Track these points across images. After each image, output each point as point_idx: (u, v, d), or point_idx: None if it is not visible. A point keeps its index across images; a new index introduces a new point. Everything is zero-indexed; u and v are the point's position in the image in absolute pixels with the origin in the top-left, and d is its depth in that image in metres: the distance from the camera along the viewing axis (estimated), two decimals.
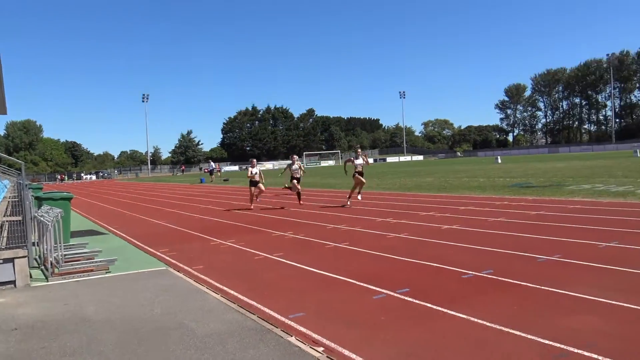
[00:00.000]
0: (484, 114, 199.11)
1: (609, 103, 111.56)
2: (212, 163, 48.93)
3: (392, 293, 5.43)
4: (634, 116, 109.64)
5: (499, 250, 7.33)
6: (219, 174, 51.71)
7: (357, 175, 14.91)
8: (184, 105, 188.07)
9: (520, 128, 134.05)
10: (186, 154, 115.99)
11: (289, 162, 21.17)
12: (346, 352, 3.87)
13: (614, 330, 4.00)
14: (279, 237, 9.99)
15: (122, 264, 7.99)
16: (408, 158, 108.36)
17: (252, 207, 16.14)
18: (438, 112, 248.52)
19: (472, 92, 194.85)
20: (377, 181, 26.61)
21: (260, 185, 16.11)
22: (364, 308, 5.00)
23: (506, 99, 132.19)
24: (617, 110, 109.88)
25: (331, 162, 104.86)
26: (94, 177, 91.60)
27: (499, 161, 50.68)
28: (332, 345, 4.03)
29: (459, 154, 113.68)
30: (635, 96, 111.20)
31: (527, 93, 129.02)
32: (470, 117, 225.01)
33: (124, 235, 11.66)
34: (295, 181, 16.04)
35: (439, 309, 4.81)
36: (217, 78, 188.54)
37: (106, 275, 7.36)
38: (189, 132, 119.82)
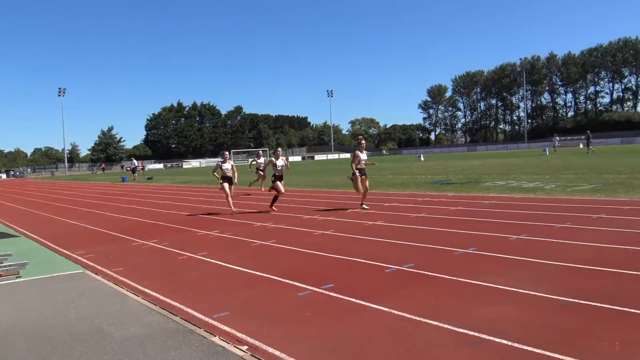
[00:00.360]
0: (408, 114, 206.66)
1: (521, 104, 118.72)
2: (134, 161, 47.09)
3: (317, 289, 5.48)
4: (544, 117, 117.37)
5: (420, 244, 7.60)
6: (142, 172, 49.86)
7: (359, 174, 12.22)
8: (104, 101, 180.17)
9: (442, 127, 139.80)
10: (107, 152, 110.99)
11: (258, 158, 20.33)
12: (270, 350, 3.87)
13: (523, 317, 4.26)
14: (204, 236, 9.80)
15: (34, 267, 7.52)
16: (336, 156, 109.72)
17: (234, 210, 13.34)
18: (365, 111, 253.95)
19: (397, 92, 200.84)
20: (304, 178, 26.73)
21: (227, 185, 13.41)
22: (290, 305, 5.01)
23: (428, 99, 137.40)
24: (529, 111, 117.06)
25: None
26: (3, 176, 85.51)
27: (422, 159, 52.50)
28: (257, 343, 4.02)
29: (384, 152, 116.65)
30: (545, 98, 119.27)
31: (448, 94, 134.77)
32: (395, 116, 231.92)
33: (36, 237, 10.97)
34: (279, 182, 13.13)
35: (363, 303, 4.91)
36: (139, 73, 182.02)
37: (16, 280, 6.89)
38: (110, 129, 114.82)
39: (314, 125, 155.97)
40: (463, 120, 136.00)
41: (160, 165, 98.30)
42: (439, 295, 5.02)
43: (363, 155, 12.46)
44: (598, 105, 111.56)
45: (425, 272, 5.92)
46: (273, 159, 13.29)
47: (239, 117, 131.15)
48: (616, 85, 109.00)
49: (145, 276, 6.65)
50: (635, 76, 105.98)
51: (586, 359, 3.37)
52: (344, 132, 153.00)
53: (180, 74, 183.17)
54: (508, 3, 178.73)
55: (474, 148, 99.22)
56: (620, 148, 54.61)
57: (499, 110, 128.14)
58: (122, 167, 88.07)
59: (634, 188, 12.97)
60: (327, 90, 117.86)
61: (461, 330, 4.01)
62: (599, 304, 4.43)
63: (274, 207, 13.14)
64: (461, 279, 5.53)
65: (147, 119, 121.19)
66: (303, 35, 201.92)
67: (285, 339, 4.09)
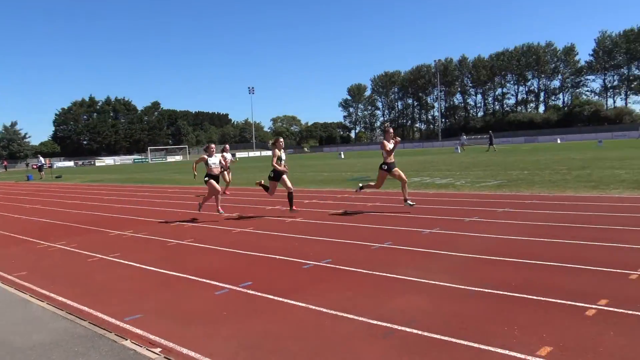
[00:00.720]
0: (329, 112, 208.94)
1: (436, 104, 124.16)
2: (41, 158, 44.12)
3: (235, 287, 5.43)
4: (456, 117, 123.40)
5: (338, 240, 7.74)
6: (49, 170, 46.88)
7: (385, 169, 10.43)
8: (6, 94, 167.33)
9: (362, 125, 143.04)
10: (10, 148, 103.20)
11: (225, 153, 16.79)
12: (185, 351, 3.78)
13: (433, 307, 4.46)
14: (116, 236, 9.39)
15: None
16: (257, 153, 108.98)
17: (220, 211, 11.17)
18: (286, 109, 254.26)
19: (318, 91, 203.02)
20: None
21: (214, 183, 11.05)
22: (206, 305, 4.93)
23: (349, 98, 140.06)
24: (442, 111, 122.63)
25: (178, 157, 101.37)
26: None
27: (342, 156, 53.44)
28: (170, 345, 3.91)
29: (306, 149, 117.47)
30: (457, 99, 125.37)
31: (368, 93, 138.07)
32: (317, 114, 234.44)
33: None
34: (285, 176, 10.66)
35: (281, 299, 4.93)
36: (46, 63, 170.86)
37: None
38: (14, 124, 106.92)
39: (235, 122, 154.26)
40: (382, 118, 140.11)
41: (71, 163, 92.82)
42: (355, 289, 5.14)
43: (391, 145, 10.49)
44: (505, 106, 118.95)
45: (343, 267, 6.04)
46: (276, 150, 10.58)
47: (156, 113, 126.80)
48: (520, 88, 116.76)
49: (51, 280, 6.27)
50: (537, 79, 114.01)
51: (489, 343, 3.59)
52: (265, 129, 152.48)
53: (92, 67, 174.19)
54: (423, 6, 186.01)
55: None
56: (524, 147, 58.51)
57: (415, 110, 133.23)
58: (27, 164, 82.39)
59: (535, 183, 13.97)
60: (249, 87, 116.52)
61: (375, 322, 4.14)
62: (503, 292, 4.74)
63: (295, 207, 10.75)
64: (377, 273, 5.70)
65: (56, 114, 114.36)
66: (222, 30, 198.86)
67: (201, 339, 4.02)
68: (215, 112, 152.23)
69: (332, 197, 13.82)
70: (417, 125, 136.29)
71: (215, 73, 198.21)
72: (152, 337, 4.10)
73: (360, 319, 4.25)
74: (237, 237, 8.59)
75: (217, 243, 8.08)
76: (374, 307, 4.53)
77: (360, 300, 4.77)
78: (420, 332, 3.87)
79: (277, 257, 6.82)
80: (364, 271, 5.80)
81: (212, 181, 11.01)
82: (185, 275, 6.09)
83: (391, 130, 10.74)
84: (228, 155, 17.60)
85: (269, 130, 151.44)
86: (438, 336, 3.77)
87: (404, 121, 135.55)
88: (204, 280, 5.82)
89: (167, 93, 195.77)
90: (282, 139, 10.99)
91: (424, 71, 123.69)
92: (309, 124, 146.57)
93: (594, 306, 4.22)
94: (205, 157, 11.14)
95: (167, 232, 9.44)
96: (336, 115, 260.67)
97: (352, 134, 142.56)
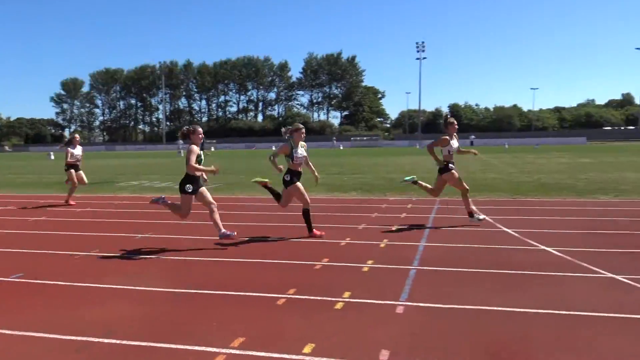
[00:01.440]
0: (38, 107, 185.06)
1: (160, 107, 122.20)
2: None
3: None
4: (181, 120, 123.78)
5: (35, 251, 6.90)
6: None
7: (453, 170, 8.28)
8: None
9: (78, 124, 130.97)
10: None
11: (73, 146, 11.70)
12: None
13: (136, 313, 4.34)
14: None
15: None
16: None
17: (228, 232, 6.86)
18: None
19: (24, 81, 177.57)
20: None
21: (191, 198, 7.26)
22: None
23: (63, 92, 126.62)
24: (167, 114, 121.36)
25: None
26: None
27: (52, 157, 47.91)
28: None
29: (7, 148, 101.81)
30: (182, 103, 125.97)
31: (86, 89, 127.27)
32: (22, 108, 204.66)
33: None
34: (299, 184, 7.50)
35: None
36: None
37: None
38: None
39: None
40: (101, 118, 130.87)
41: None
42: (50, 305, 4.65)
43: (455, 142, 8.53)
44: (227, 113, 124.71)
45: (38, 281, 5.40)
46: (290, 144, 7.50)
47: None
48: (242, 97, 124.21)
49: None
50: (256, 90, 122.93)
51: (188, 342, 3.67)
52: None
53: None
54: (156, 6, 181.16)
55: (113, 147, 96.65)
56: (243, 152, 62.32)
57: (139, 111, 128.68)
58: None
59: (248, 187, 15.00)
60: None
61: (69, 338, 3.81)
62: (207, 291, 4.93)
63: (315, 231, 7.55)
64: (79, 284, 5.27)
65: None
66: None
67: None
68: None
69: (34, 202, 12.26)
70: (140, 126, 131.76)
71: None
72: None
73: (53, 336, 3.86)
74: None
75: None
76: (71, 321, 4.18)
77: (55, 316, 4.34)
78: (118, 342, 3.72)
79: None
80: (64, 283, 5.31)
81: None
82: None
83: (455, 123, 8.55)
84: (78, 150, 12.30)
85: None
86: (137, 343, 3.70)
87: (127, 122, 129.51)
88: None
89: None
90: (302, 128, 7.70)
91: (149, 72, 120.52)
92: (12, 119, 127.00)
93: (283, 295, 4.75)
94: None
95: None
96: (47, 112, 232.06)
97: (67, 133, 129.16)
